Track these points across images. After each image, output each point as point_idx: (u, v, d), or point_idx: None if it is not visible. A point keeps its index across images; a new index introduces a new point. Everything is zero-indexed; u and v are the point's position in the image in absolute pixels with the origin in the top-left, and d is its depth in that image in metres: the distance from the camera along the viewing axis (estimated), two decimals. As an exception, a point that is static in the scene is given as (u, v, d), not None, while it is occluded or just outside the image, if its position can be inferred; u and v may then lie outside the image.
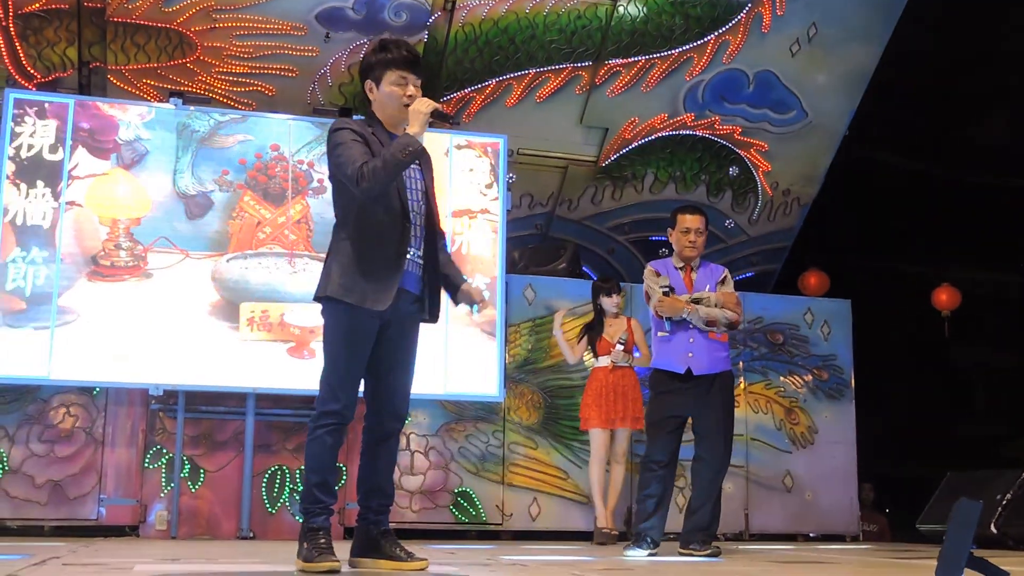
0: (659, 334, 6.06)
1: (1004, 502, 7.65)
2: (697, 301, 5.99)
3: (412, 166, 4.22)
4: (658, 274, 6.12)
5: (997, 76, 12.01)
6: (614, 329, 7.79)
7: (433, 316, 4.36)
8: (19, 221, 7.62)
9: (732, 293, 6.14)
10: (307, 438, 4.18)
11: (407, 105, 4.16)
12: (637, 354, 7.77)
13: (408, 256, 4.18)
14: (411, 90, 4.21)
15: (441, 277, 4.37)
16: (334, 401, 4.12)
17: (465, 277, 4.60)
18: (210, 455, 8.01)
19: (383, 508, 4.27)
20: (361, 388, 4.26)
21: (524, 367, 8.74)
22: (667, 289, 6.00)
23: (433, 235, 4.33)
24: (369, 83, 4.29)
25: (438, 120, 4.20)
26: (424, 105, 4.11)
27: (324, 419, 4.12)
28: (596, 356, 7.81)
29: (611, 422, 7.66)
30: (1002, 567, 3.28)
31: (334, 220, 4.31)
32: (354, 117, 4.48)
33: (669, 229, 6.24)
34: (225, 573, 4.04)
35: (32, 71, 8.54)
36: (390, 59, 4.22)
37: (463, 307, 4.67)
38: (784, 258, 10.77)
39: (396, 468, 4.39)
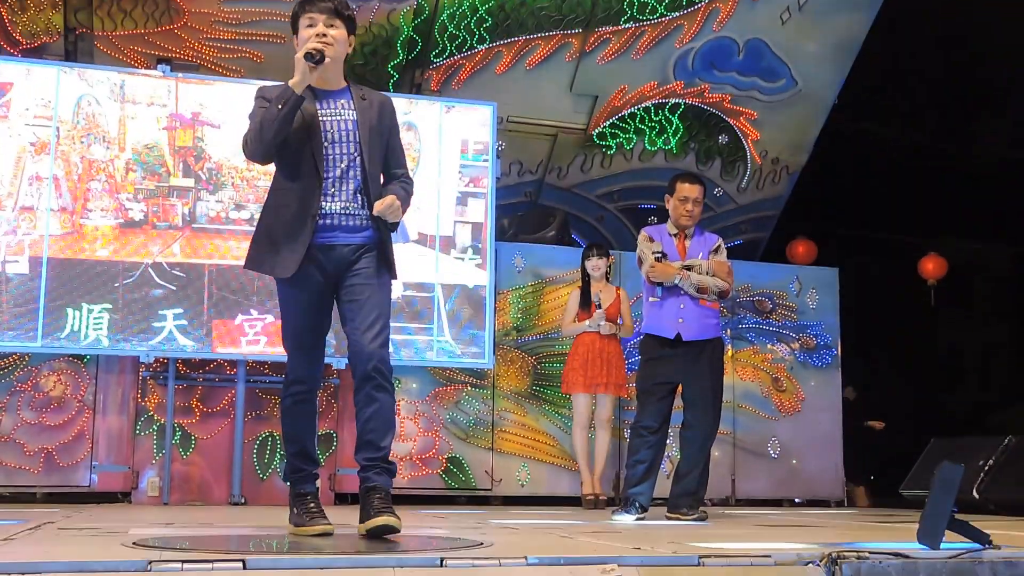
0: (650, 299, 6.09)
1: (986, 468, 7.74)
2: (689, 268, 6.02)
3: (345, 116, 3.98)
4: (652, 239, 6.15)
5: (985, 47, 12.02)
6: (603, 296, 7.83)
7: (391, 271, 4.06)
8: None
9: (724, 262, 6.17)
10: (280, 410, 4.17)
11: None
12: (620, 322, 7.84)
13: (325, 212, 3.91)
14: (320, 28, 3.91)
15: (384, 223, 4.00)
16: (293, 370, 4.09)
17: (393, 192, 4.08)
18: (201, 422, 8.04)
19: (370, 463, 3.89)
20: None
21: (513, 334, 8.78)
22: (660, 255, 6.02)
23: (376, 183, 4.02)
24: (294, 38, 4.06)
25: (309, 62, 3.84)
26: (301, 52, 3.87)
27: (290, 387, 4.11)
28: (579, 320, 7.86)
29: (594, 387, 7.74)
30: (983, 531, 3.34)
31: None
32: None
33: (667, 196, 6.24)
34: (220, 536, 4.07)
35: (18, 37, 8.49)
36: (301, 3, 3.98)
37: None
38: (772, 226, 10.80)
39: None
